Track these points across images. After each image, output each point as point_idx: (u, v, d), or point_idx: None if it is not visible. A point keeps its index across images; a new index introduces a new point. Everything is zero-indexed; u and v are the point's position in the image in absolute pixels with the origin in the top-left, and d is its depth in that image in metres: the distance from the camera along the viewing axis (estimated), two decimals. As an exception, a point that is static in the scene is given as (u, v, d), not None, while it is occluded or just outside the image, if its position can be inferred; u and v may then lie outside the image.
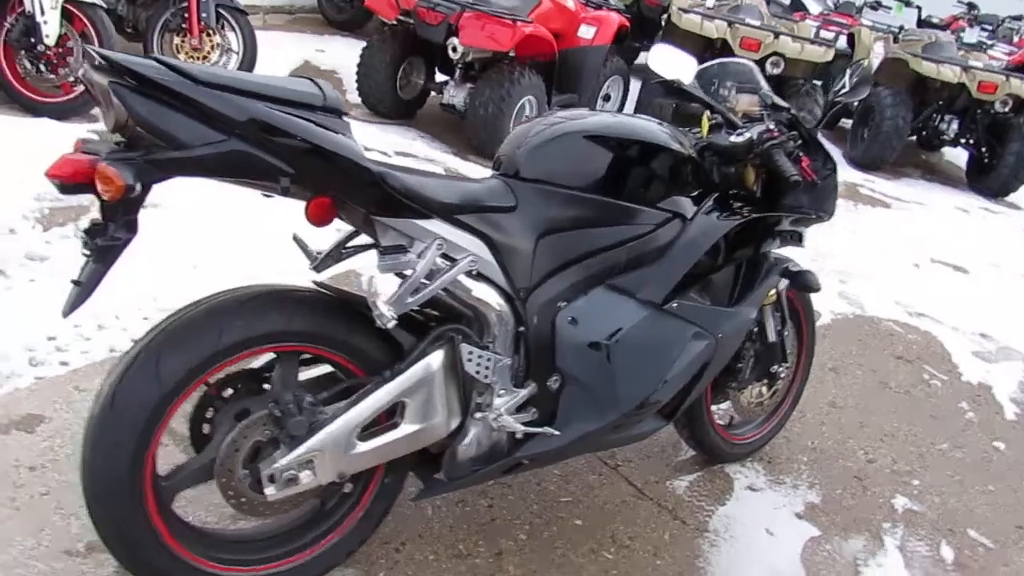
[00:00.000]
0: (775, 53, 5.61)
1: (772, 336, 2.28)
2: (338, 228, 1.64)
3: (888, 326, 3.81)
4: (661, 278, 1.83)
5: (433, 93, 5.25)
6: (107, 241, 1.32)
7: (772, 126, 1.97)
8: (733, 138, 1.97)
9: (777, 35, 5.65)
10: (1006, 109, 6.43)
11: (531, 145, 1.76)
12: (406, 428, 1.62)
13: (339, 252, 1.74)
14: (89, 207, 3.26)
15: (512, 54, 4.68)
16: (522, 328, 1.72)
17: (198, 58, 4.54)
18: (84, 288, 1.35)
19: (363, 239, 1.75)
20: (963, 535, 2.44)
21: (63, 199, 3.26)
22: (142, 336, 1.46)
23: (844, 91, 2.04)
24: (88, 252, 1.34)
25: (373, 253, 1.62)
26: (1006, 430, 3.14)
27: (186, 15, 4.46)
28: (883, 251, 4.92)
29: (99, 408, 1.41)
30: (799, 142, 1.98)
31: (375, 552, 1.84)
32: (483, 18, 4.42)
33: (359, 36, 7.01)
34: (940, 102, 6.64)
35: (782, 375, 2.37)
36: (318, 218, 1.48)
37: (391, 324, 1.51)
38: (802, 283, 2.16)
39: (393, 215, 1.51)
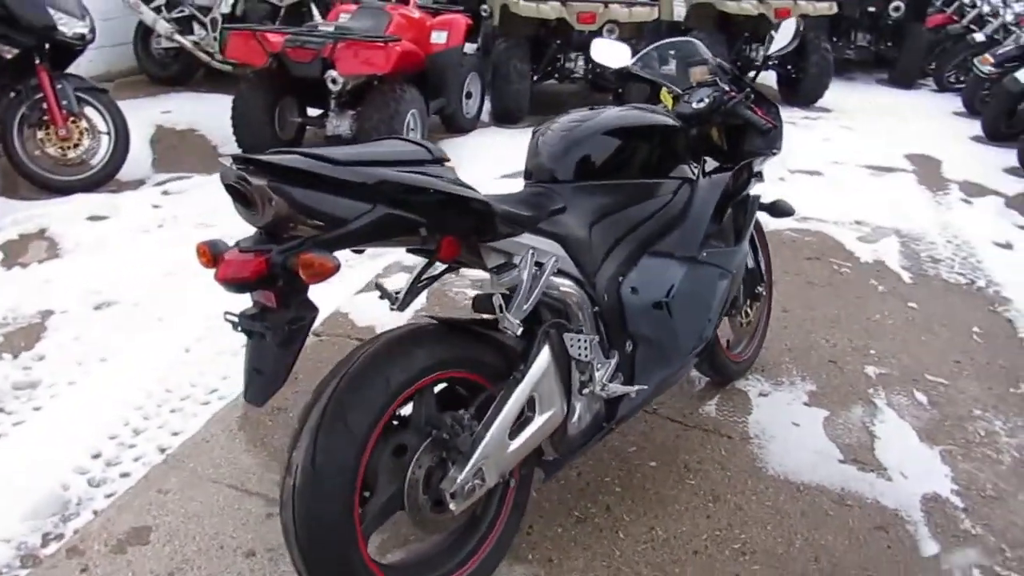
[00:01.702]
0: (610, 20, 6.07)
1: (752, 262, 2.66)
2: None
3: (788, 235, 4.37)
4: (690, 235, 2.14)
5: (308, 127, 5.30)
6: (294, 323, 1.43)
7: (727, 87, 2.31)
8: (695, 104, 2.31)
9: (607, 4, 6.12)
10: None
11: (559, 152, 2.00)
12: (540, 418, 1.82)
13: (416, 287, 1.91)
14: (45, 325, 3.14)
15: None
16: (596, 308, 1.97)
17: (69, 147, 4.35)
18: (273, 375, 1.46)
19: (433, 270, 1.93)
20: (924, 380, 2.96)
21: (11, 323, 3.13)
22: (314, 403, 1.57)
23: (781, 47, 2.41)
24: (267, 337, 1.44)
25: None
26: (911, 292, 3.75)
27: (45, 106, 4.24)
28: (751, 173, 5.55)
29: (301, 479, 1.51)
30: (752, 96, 2.34)
31: (514, 541, 2.04)
32: (355, 45, 4.53)
33: (193, 89, 6.83)
34: (747, 33, 7.44)
35: (763, 294, 2.77)
36: (448, 255, 1.65)
37: (519, 331, 1.71)
38: (780, 210, 2.55)
39: (498, 238, 1.70)
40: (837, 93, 8.11)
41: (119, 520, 2.09)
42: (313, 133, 5.48)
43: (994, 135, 6.60)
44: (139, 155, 5.04)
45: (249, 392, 1.49)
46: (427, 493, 1.68)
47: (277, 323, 1.44)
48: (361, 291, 3.42)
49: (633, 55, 2.55)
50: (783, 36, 2.39)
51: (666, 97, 2.40)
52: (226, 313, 1.52)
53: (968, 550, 2.14)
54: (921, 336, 3.30)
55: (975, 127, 6.99)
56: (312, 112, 5.30)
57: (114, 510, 2.13)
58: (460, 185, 1.60)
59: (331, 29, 4.89)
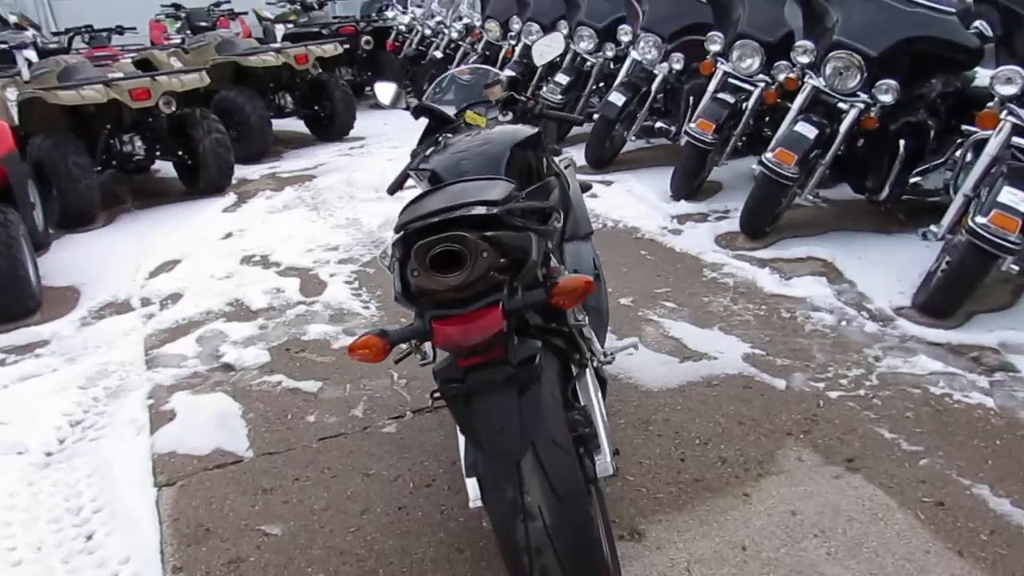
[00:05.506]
0: (165, 92, 5.67)
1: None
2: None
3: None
4: (581, 217, 2.51)
5: None
6: (527, 365, 1.45)
7: (524, 97, 2.71)
8: (501, 119, 2.66)
9: (154, 77, 5.70)
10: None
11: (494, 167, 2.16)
12: (596, 396, 2.04)
13: None
14: None
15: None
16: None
17: None
18: (522, 424, 1.46)
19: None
20: (656, 294, 3.81)
21: None
22: (516, 452, 1.55)
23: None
24: (506, 390, 1.43)
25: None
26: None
27: None
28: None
29: (552, 514, 1.52)
30: (543, 101, 2.78)
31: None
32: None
33: None
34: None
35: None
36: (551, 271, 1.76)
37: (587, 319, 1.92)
38: (585, 186, 3.01)
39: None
40: (363, 122, 8.75)
41: None
42: None
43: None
44: None
45: (495, 447, 1.46)
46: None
47: (507, 371, 1.44)
48: (162, 425, 2.90)
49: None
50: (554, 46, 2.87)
51: (476, 118, 2.68)
52: (433, 393, 1.44)
53: (796, 374, 3.00)
54: (621, 270, 4.17)
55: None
56: None
57: None
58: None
59: None
